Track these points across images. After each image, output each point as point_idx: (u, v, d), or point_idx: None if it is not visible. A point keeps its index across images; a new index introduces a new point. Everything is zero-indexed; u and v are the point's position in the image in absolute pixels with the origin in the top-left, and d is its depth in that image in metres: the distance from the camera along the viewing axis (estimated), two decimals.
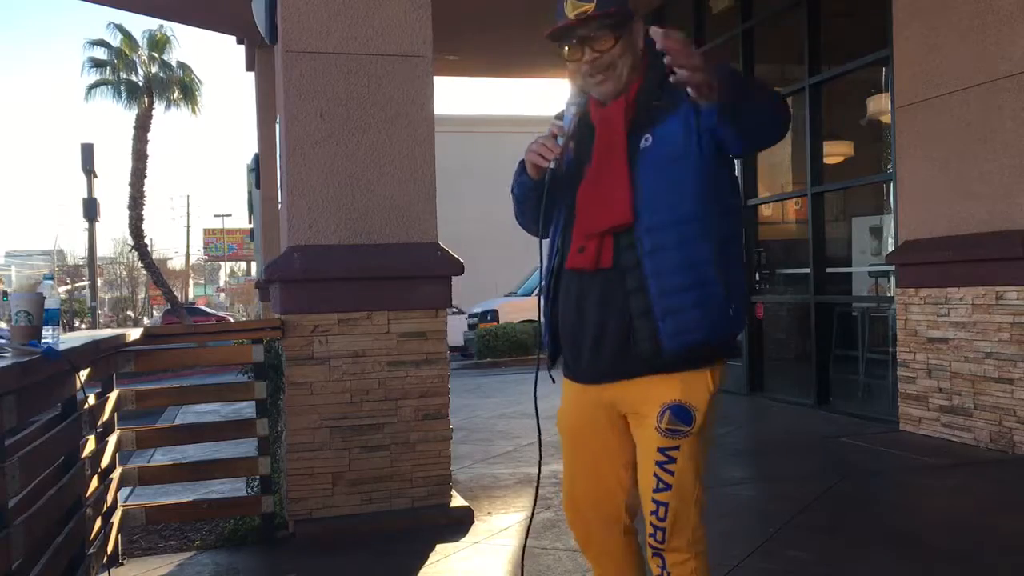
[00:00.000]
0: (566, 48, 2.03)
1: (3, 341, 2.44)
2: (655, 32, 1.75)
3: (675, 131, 1.95)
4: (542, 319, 2.17)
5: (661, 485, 1.99)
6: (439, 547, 3.80)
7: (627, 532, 2.17)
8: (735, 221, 2.03)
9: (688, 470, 1.99)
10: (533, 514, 2.29)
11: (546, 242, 2.15)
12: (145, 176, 23.92)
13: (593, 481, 2.15)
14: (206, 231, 52.29)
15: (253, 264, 39.31)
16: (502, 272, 20.14)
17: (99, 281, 34.16)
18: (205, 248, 53.35)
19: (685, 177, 1.93)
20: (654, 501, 2.00)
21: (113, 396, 3.67)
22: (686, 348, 1.94)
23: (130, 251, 37.46)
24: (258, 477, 4.16)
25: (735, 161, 2.06)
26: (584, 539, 2.22)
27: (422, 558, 3.67)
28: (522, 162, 2.10)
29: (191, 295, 55.69)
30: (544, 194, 2.04)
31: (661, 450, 1.98)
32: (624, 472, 2.12)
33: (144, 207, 23.83)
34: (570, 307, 2.06)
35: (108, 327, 34.79)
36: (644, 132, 1.98)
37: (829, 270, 7.26)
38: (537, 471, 2.20)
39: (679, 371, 1.97)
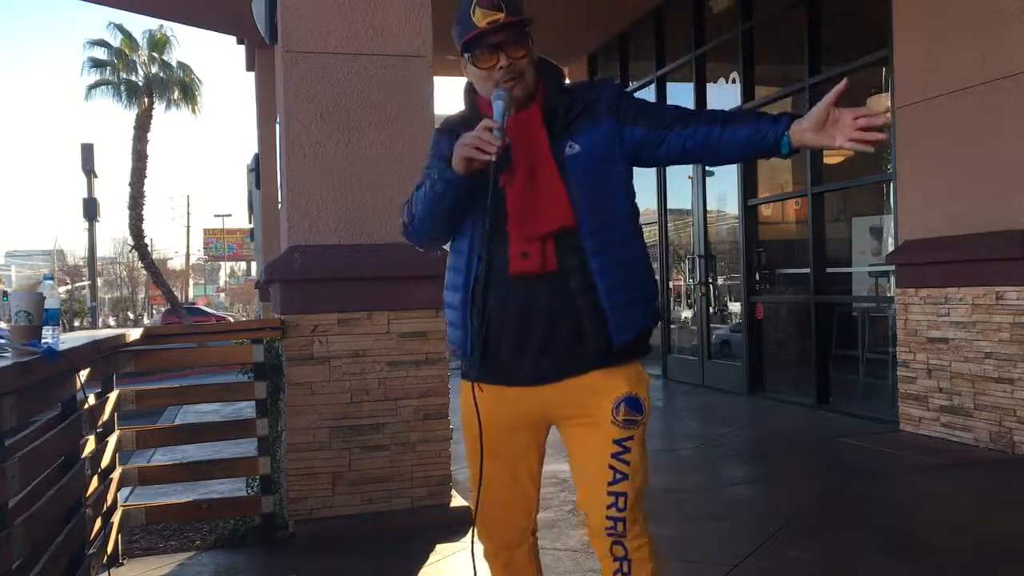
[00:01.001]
0: (475, 55, 2.05)
1: (3, 341, 2.44)
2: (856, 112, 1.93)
3: (600, 141, 2.05)
4: (458, 328, 2.11)
5: (618, 476, 2.03)
6: (439, 547, 3.80)
7: (531, 542, 2.25)
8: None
9: (639, 456, 2.06)
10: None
11: (458, 252, 2.13)
12: (145, 176, 23.93)
13: (508, 489, 2.16)
14: (206, 231, 52.31)
15: (253, 264, 39.32)
16: None
17: (99, 281, 34.19)
18: (205, 248, 53.36)
19: (614, 183, 2.07)
20: (611, 494, 2.03)
21: (113, 396, 3.67)
22: (631, 341, 2.05)
23: (130, 251, 37.46)
24: (258, 477, 4.16)
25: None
26: (495, 549, 2.23)
27: (422, 558, 3.67)
28: (438, 160, 2.06)
29: (191, 295, 55.68)
30: (488, 191, 1.94)
31: (617, 441, 2.04)
32: (533, 485, 2.18)
33: (144, 207, 23.85)
34: (511, 312, 2.03)
35: (108, 327, 34.79)
36: (565, 139, 2.05)
37: (829, 270, 7.26)
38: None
39: (619, 366, 2.06)
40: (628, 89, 10.29)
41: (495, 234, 1.99)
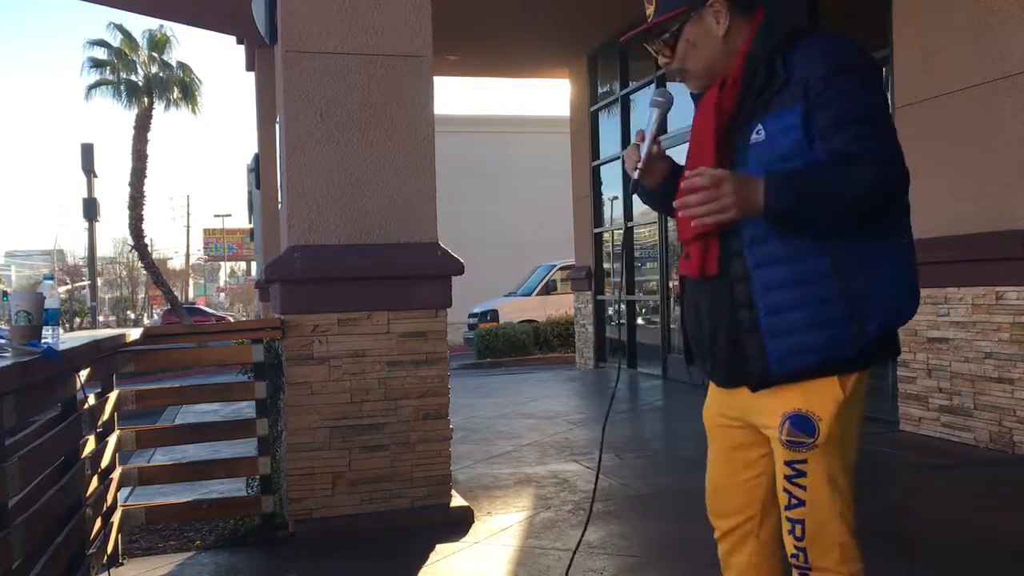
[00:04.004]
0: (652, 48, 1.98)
1: (3, 341, 2.44)
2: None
3: (788, 127, 1.76)
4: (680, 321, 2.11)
5: (793, 502, 1.85)
6: (439, 547, 3.80)
7: (766, 553, 2.02)
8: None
9: (821, 484, 1.82)
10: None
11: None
12: (145, 176, 23.91)
13: (724, 479, 2.05)
14: (206, 231, 52.30)
15: (253, 264, 39.32)
16: (501, 272, 20.15)
17: (99, 281, 34.15)
18: (205, 248, 53.35)
19: None
20: (788, 520, 1.87)
21: (113, 396, 3.67)
22: (796, 371, 1.80)
23: (130, 251, 37.48)
24: (258, 477, 4.17)
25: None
26: (717, 532, 2.10)
27: (422, 558, 3.67)
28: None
29: (191, 295, 55.69)
30: (654, 200, 2.03)
31: (788, 463, 1.84)
32: (755, 480, 1.99)
33: (144, 207, 23.83)
34: (690, 312, 1.99)
35: (108, 327, 34.79)
36: (755, 122, 1.80)
37: None
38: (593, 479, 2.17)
39: (800, 381, 1.81)
40: (632, 89, 10.34)
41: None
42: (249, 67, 12.16)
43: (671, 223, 9.84)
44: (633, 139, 1.97)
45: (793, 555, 1.87)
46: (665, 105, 1.97)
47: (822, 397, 1.80)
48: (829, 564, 1.84)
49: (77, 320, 38.38)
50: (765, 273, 1.79)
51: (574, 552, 2.79)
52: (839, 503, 1.84)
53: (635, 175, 1.93)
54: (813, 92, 1.73)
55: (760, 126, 1.79)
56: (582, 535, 2.57)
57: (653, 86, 9.69)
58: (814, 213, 1.70)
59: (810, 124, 1.73)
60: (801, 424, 1.80)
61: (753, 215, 1.70)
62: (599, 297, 11.33)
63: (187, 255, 57.06)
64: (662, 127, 2.01)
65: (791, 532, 1.86)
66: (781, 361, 1.79)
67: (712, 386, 2.06)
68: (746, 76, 1.83)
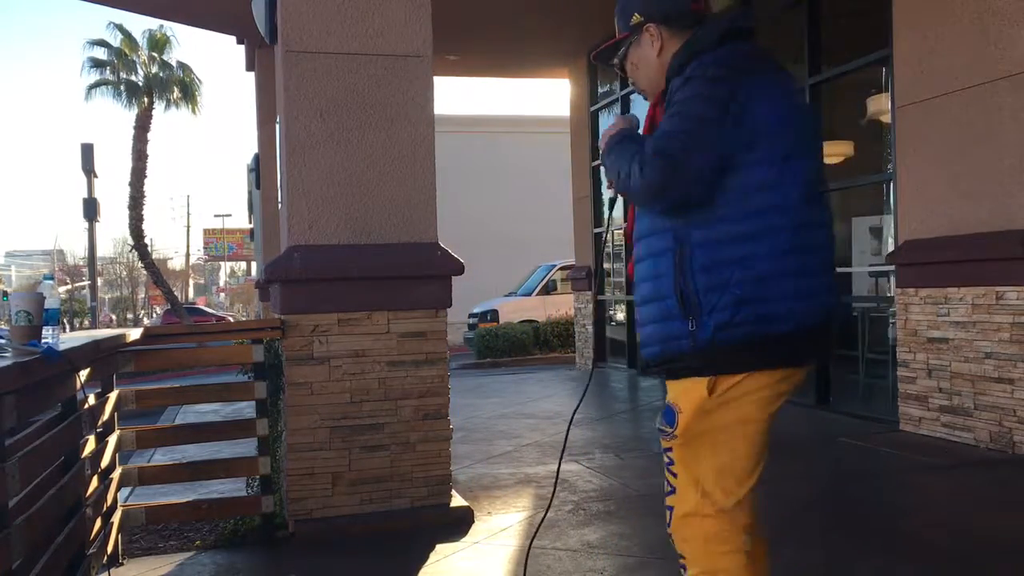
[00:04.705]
0: None
1: (3, 341, 2.44)
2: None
3: None
4: None
5: (667, 488, 2.00)
6: (439, 547, 3.80)
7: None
8: (739, 223, 1.86)
9: (685, 476, 1.96)
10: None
11: None
12: (145, 176, 23.90)
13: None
14: (206, 231, 52.31)
15: (253, 264, 39.31)
16: (501, 272, 20.14)
17: (99, 281, 34.15)
18: (205, 248, 53.36)
19: None
20: (666, 506, 2.02)
21: (113, 396, 3.67)
22: (650, 360, 1.99)
23: (130, 251, 37.46)
24: (258, 477, 4.17)
25: (763, 159, 1.87)
26: None
27: (422, 558, 3.67)
28: None
29: (191, 295, 55.68)
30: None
31: (663, 452, 2.02)
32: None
33: (144, 207, 23.82)
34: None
35: (108, 327, 34.79)
36: None
37: None
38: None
39: (680, 377, 1.96)
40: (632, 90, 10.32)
41: None
42: (249, 67, 12.15)
43: None
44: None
45: (670, 540, 2.01)
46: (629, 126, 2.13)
47: (688, 393, 1.93)
48: (687, 553, 1.96)
49: (77, 321, 38.36)
50: (638, 270, 2.00)
51: (530, 544, 2.79)
52: (704, 501, 1.93)
53: (610, 194, 2.12)
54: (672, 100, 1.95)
55: None
56: (536, 531, 2.60)
57: None
58: (609, 170, 2.00)
59: None
60: (667, 414, 1.97)
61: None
62: (600, 297, 11.34)
63: (187, 255, 57.09)
64: None
65: (667, 519, 2.01)
66: (641, 348, 2.03)
67: None
68: (666, 92, 2.03)
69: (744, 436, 1.92)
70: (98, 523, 3.29)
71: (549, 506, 2.68)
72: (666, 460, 1.99)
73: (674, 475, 1.98)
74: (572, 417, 2.56)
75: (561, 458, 2.49)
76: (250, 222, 17.72)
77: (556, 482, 2.60)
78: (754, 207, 1.85)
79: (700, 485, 1.94)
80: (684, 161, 1.83)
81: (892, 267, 6.23)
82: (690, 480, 1.95)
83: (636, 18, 2.09)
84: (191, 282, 60.03)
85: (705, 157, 1.83)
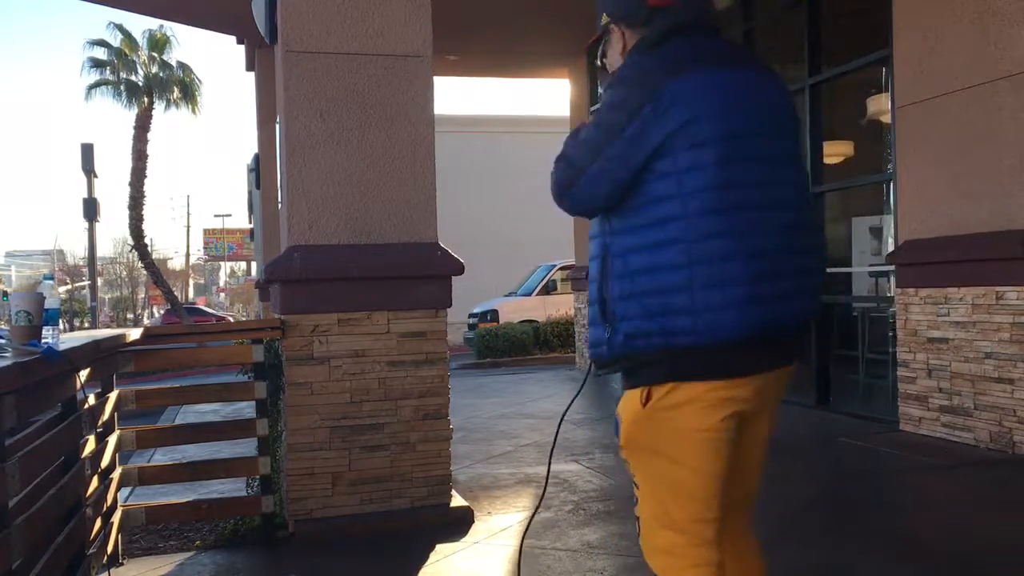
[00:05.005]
0: None
1: (3, 341, 2.44)
2: None
3: None
4: None
5: (634, 500, 2.00)
6: (439, 547, 3.80)
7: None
8: (647, 233, 1.83)
9: (643, 488, 1.95)
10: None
11: None
12: (145, 176, 23.90)
13: None
14: (206, 231, 52.31)
15: (253, 264, 39.31)
16: (501, 272, 20.14)
17: (99, 281, 34.16)
18: (205, 248, 53.36)
19: None
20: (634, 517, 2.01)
21: (113, 396, 3.67)
22: (594, 361, 1.98)
23: (130, 251, 37.45)
24: (258, 477, 4.17)
25: (676, 168, 1.81)
26: None
27: (422, 558, 3.67)
28: None
29: (191, 295, 55.69)
30: None
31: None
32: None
33: (144, 207, 23.81)
34: None
35: (108, 327, 34.80)
36: None
37: (829, 270, 7.26)
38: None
39: (624, 385, 1.95)
40: None
41: None
42: (249, 67, 12.15)
43: None
44: None
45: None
46: None
47: (627, 403, 1.92)
48: (653, 565, 1.95)
49: (77, 321, 38.36)
50: (589, 271, 1.99)
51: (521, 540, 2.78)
52: (663, 514, 1.89)
53: None
54: None
55: None
56: (526, 530, 2.59)
57: None
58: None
59: None
60: (615, 424, 1.97)
61: None
62: None
63: (187, 255, 57.08)
64: None
65: (636, 528, 2.00)
66: (590, 348, 2.00)
67: None
68: None
69: (694, 447, 1.84)
70: (98, 523, 3.29)
71: (539, 505, 2.68)
72: (630, 472, 1.98)
73: (636, 485, 1.96)
74: (563, 415, 2.52)
75: (551, 456, 2.47)
76: (250, 222, 17.71)
77: (547, 480, 2.58)
78: (655, 217, 1.81)
79: (659, 497, 1.91)
80: (582, 174, 1.86)
81: (892, 267, 6.23)
82: (648, 491, 1.93)
83: (604, 18, 2.07)
84: (191, 282, 60.03)
85: (606, 173, 1.84)
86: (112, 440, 3.66)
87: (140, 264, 32.93)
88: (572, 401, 2.45)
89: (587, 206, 1.91)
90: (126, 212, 23.78)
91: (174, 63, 25.06)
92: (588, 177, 1.86)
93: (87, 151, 25.35)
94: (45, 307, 2.55)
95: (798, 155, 1.98)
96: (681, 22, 1.91)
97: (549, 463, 2.29)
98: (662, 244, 1.80)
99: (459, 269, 4.26)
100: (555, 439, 2.44)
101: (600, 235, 1.93)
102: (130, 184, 23.75)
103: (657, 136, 1.78)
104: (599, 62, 2.16)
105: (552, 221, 19.77)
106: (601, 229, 1.93)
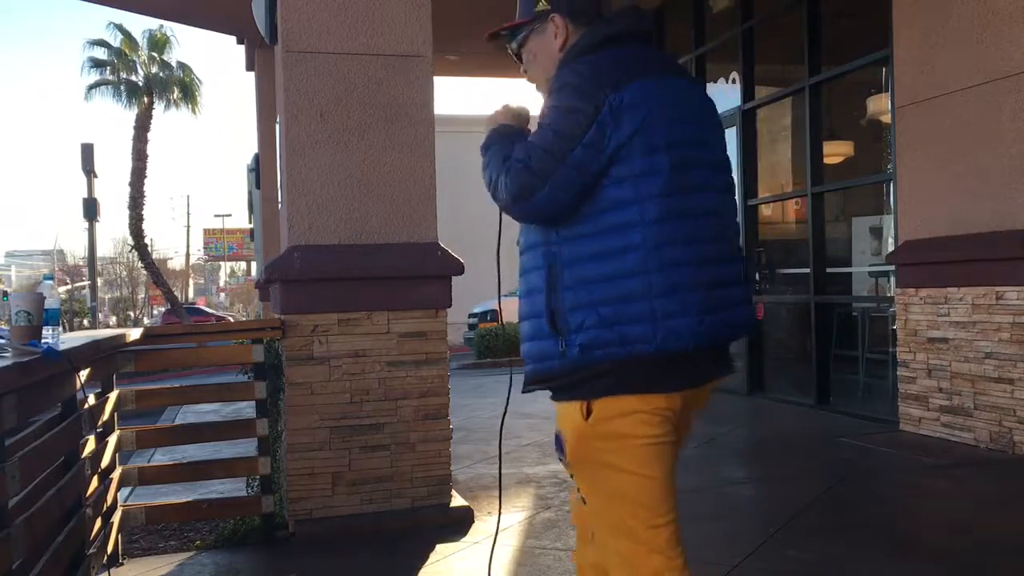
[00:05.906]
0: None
1: (3, 341, 2.44)
2: None
3: None
4: None
5: (580, 506, 1.99)
6: (439, 547, 3.80)
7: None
8: (602, 241, 1.80)
9: (593, 500, 1.90)
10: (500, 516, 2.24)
11: None
12: (145, 176, 23.95)
13: None
14: (206, 231, 52.32)
15: (253, 264, 39.31)
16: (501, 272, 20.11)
17: (99, 281, 34.16)
18: (205, 248, 53.36)
19: None
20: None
21: (113, 396, 3.67)
22: (527, 377, 1.92)
23: (130, 251, 37.47)
24: (258, 477, 4.17)
25: (628, 174, 1.79)
26: None
27: (422, 558, 3.67)
28: None
29: (191, 295, 55.69)
30: None
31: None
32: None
33: (144, 207, 23.88)
34: None
35: (108, 327, 34.80)
36: None
37: (829, 270, 7.26)
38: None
39: (559, 399, 1.89)
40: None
41: None
42: (249, 67, 12.14)
43: None
44: None
45: None
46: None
47: (567, 417, 1.86)
48: (612, 573, 1.91)
49: (77, 321, 38.36)
50: (520, 284, 1.92)
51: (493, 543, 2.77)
52: (617, 524, 1.86)
53: None
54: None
55: None
56: (496, 534, 2.56)
57: None
58: (483, 169, 1.94)
59: None
60: (557, 440, 1.90)
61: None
62: None
63: (187, 255, 57.07)
64: None
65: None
66: (525, 364, 1.92)
67: None
68: None
69: (642, 455, 1.82)
70: (98, 523, 3.29)
71: (499, 510, 2.63)
72: (576, 488, 1.95)
73: (583, 500, 1.93)
74: (501, 424, 2.28)
75: (500, 458, 2.42)
76: (250, 222, 17.69)
77: (500, 485, 2.49)
78: (612, 223, 1.78)
79: (611, 507, 1.88)
80: (546, 181, 1.78)
81: (892, 267, 6.23)
82: (600, 504, 1.90)
83: (542, 5, 1.98)
84: (191, 282, 60.00)
85: (570, 179, 1.78)
86: (112, 440, 3.66)
87: (140, 264, 32.96)
88: (503, 417, 2.22)
89: (548, 212, 1.81)
90: (126, 212, 23.84)
91: (174, 63, 25.11)
92: (553, 183, 1.77)
93: (87, 151, 25.33)
94: (45, 307, 2.55)
95: (729, 162, 2.00)
96: (621, 31, 1.92)
97: (500, 468, 2.21)
98: (620, 251, 1.77)
99: (459, 269, 4.26)
100: (500, 435, 2.30)
101: (543, 244, 1.85)
102: (130, 184, 23.79)
103: (615, 140, 1.76)
104: (514, 48, 2.10)
105: None
106: (545, 238, 1.85)
